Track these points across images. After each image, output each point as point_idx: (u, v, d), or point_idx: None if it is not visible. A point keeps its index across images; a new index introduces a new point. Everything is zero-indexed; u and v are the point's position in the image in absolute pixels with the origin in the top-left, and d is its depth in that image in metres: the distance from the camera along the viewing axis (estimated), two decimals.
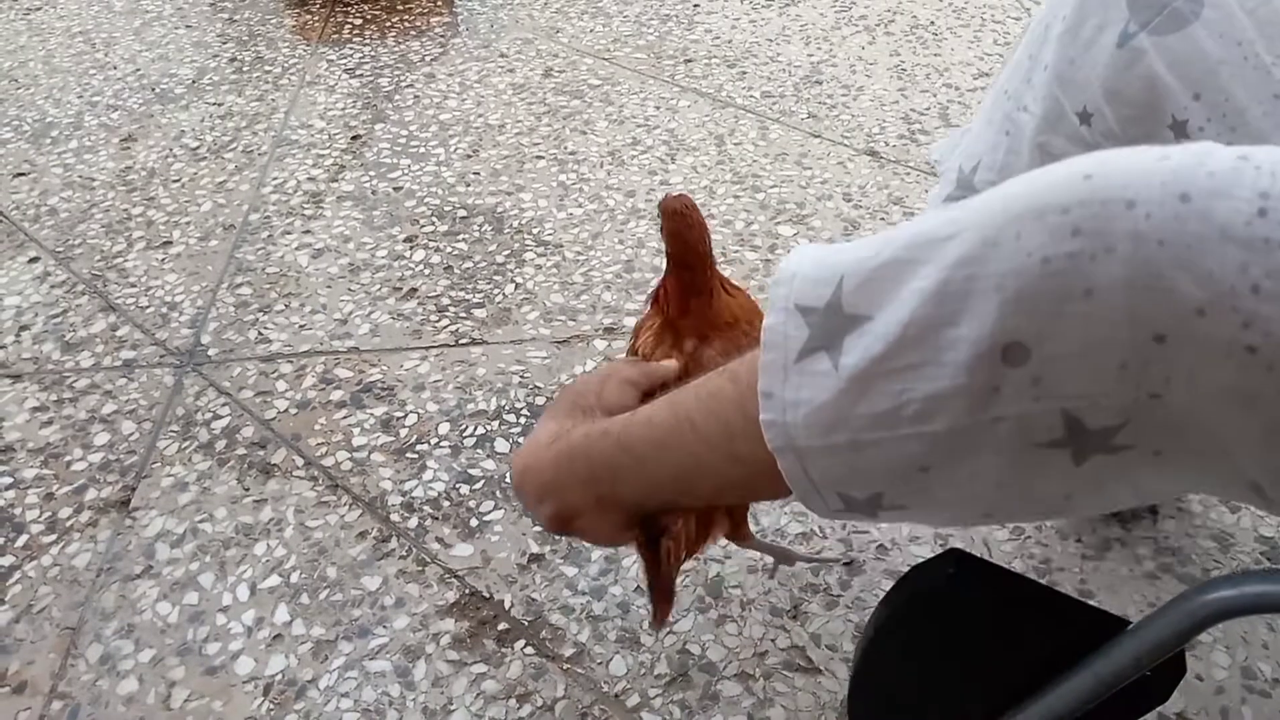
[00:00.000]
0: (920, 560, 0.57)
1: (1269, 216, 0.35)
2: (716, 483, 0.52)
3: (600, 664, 0.87)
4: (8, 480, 1.06)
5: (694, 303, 0.74)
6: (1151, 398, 0.38)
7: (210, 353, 1.22)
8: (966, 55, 1.87)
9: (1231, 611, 0.42)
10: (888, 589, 0.57)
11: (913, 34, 1.96)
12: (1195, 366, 0.36)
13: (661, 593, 0.69)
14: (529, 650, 0.88)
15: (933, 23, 2.00)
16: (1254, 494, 0.39)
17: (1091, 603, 0.89)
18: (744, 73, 1.82)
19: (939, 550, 0.96)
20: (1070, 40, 0.65)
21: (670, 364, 0.69)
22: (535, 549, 0.97)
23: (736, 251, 1.37)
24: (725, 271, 1.33)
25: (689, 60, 1.87)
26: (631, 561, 0.96)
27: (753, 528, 0.85)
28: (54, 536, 1.00)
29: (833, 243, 0.49)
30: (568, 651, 0.88)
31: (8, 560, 0.98)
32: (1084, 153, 0.67)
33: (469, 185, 1.52)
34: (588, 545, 0.96)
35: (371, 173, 1.56)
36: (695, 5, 2.08)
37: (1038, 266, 0.38)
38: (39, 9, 2.13)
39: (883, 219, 1.43)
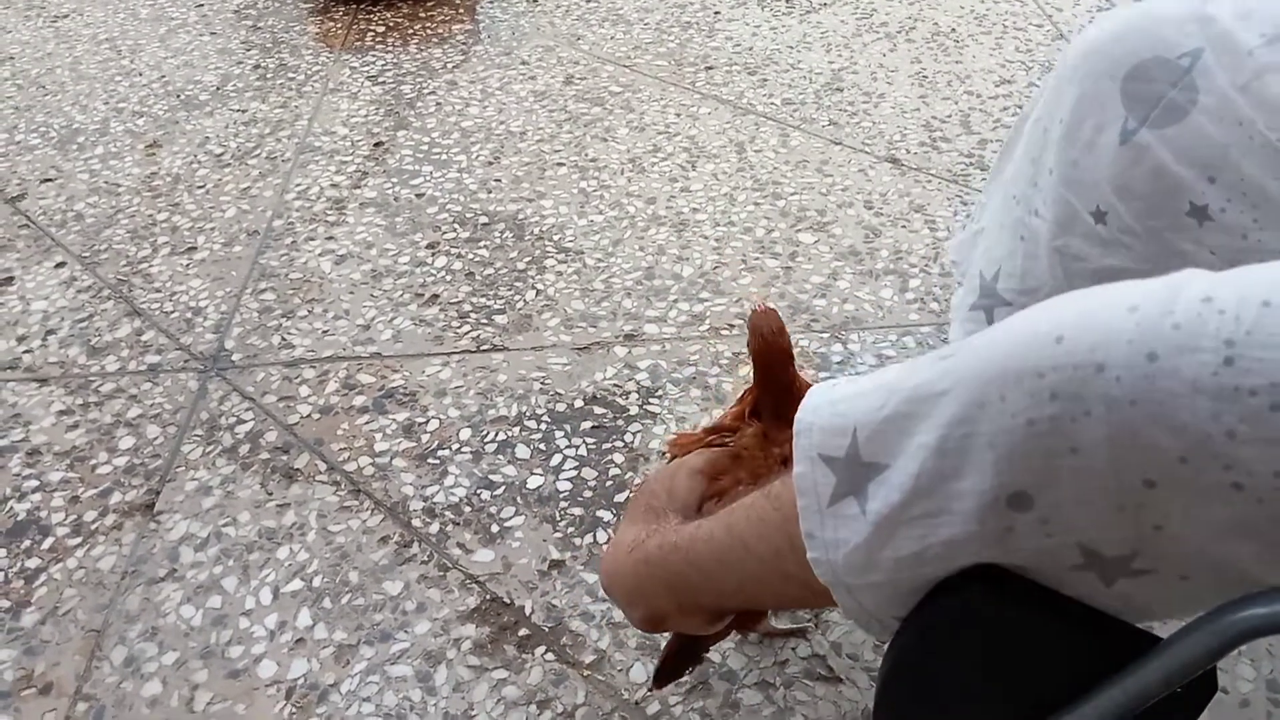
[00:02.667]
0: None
1: (1235, 364, 0.35)
2: (776, 595, 0.57)
3: (621, 671, 0.87)
4: (34, 483, 1.07)
5: (766, 419, 0.74)
6: (1155, 529, 0.40)
7: (234, 358, 1.23)
8: (988, 63, 1.87)
9: (1264, 630, 0.41)
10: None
11: (934, 41, 1.95)
12: (1188, 505, 0.38)
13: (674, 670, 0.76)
14: (549, 656, 0.88)
15: (954, 30, 2.00)
16: None
17: None
18: (765, 80, 1.82)
19: None
20: (1070, 143, 0.66)
21: (728, 453, 0.71)
22: (556, 555, 0.97)
23: (757, 259, 1.37)
24: (744, 280, 1.33)
25: (710, 67, 1.87)
26: None
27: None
28: (79, 539, 1.01)
29: (838, 380, 0.52)
30: (588, 658, 0.88)
31: (34, 562, 0.99)
32: (1103, 251, 0.68)
33: (490, 192, 1.53)
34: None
35: (394, 179, 1.57)
36: (716, 12, 2.08)
37: (1023, 428, 0.40)
38: (66, 16, 2.16)
39: (904, 226, 1.43)
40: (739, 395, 0.81)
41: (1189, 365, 0.36)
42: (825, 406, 0.50)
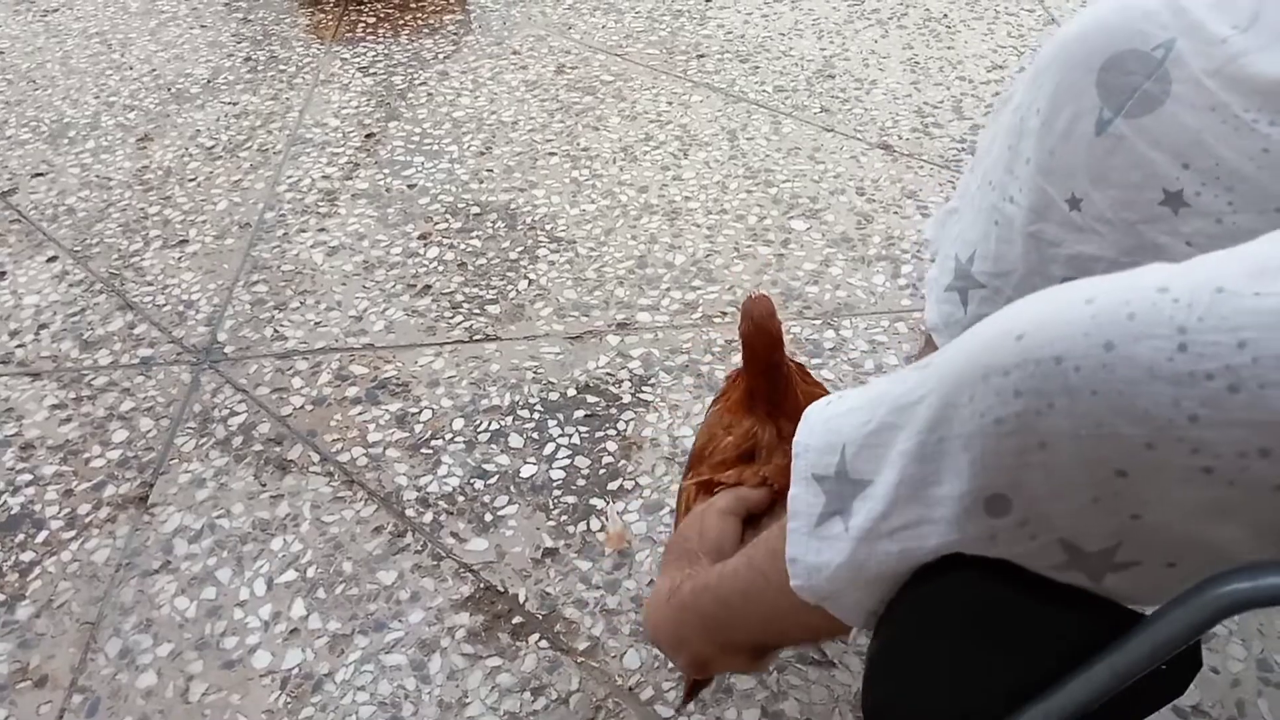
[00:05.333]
0: None
1: (1189, 350, 0.36)
2: (801, 626, 0.56)
3: (614, 657, 0.87)
4: (28, 477, 1.07)
5: (759, 404, 0.73)
6: (1134, 518, 0.40)
7: (227, 350, 1.23)
8: (980, 48, 1.86)
9: (1247, 604, 0.41)
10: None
11: (925, 27, 1.95)
12: (1163, 491, 0.38)
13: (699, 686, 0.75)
14: (543, 644, 0.89)
15: (946, 15, 1.99)
16: None
17: None
18: (756, 67, 1.82)
19: None
20: (1047, 132, 0.66)
21: (761, 492, 0.71)
22: (549, 543, 0.98)
23: (749, 247, 1.37)
24: (737, 268, 1.33)
25: (701, 55, 1.87)
26: (644, 555, 0.96)
27: None
28: (73, 532, 1.01)
29: (833, 397, 0.52)
30: (582, 645, 0.88)
31: (28, 556, 0.99)
32: (1077, 237, 0.68)
33: (482, 182, 1.53)
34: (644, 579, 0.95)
35: (385, 170, 1.56)
36: (707, 0, 2.08)
37: (993, 427, 0.41)
38: (56, 10, 2.15)
39: (896, 212, 1.43)
40: (723, 387, 0.81)
41: (1144, 352, 0.36)
42: (819, 425, 0.51)
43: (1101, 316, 0.38)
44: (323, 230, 1.44)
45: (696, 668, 0.65)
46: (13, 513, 1.03)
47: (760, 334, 0.70)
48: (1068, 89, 0.64)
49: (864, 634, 0.86)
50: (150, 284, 1.35)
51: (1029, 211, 0.67)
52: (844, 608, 0.52)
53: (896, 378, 0.49)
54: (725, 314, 1.26)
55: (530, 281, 1.32)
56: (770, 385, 0.72)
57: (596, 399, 1.14)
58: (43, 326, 1.28)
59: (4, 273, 1.38)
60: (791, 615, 0.54)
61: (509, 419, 1.12)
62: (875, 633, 0.56)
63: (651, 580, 0.93)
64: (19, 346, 1.25)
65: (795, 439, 0.52)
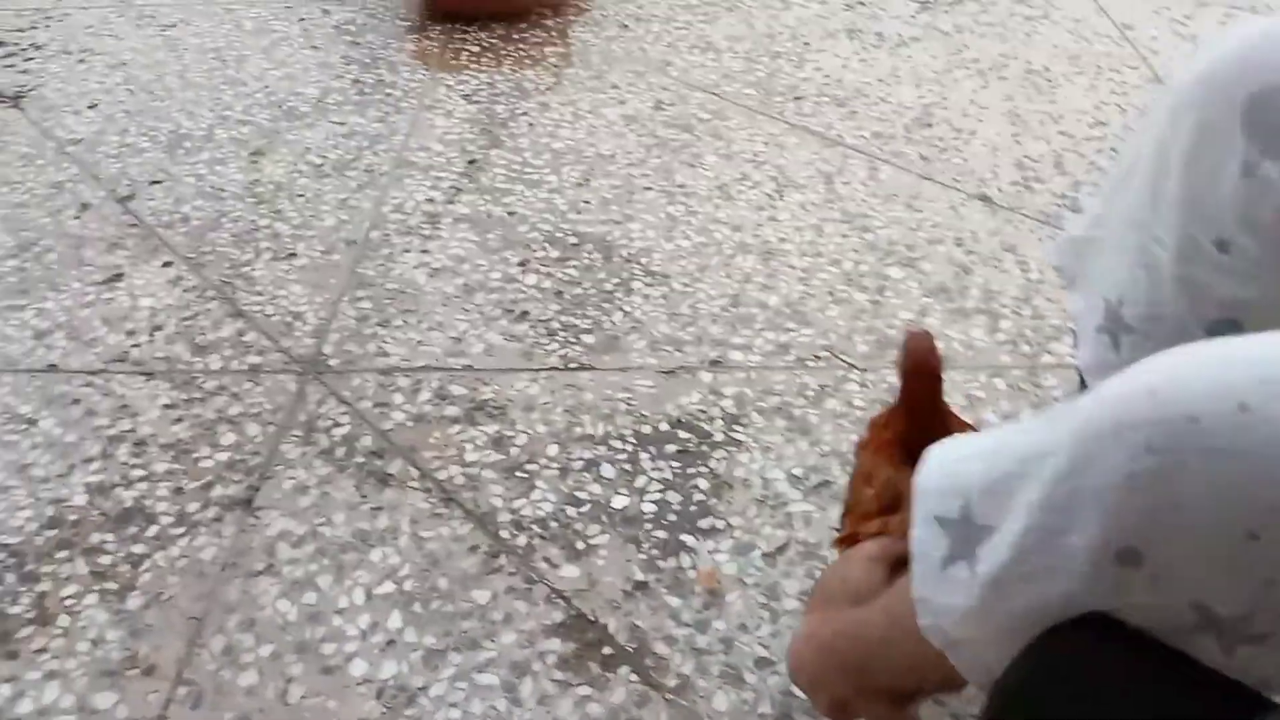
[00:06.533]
0: None
1: None
2: (941, 670, 0.56)
3: (703, 698, 0.88)
4: (141, 473, 1.12)
5: (912, 448, 0.71)
6: (1267, 584, 0.40)
7: (331, 362, 1.27)
8: (1082, 103, 1.85)
9: None
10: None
11: (1027, 79, 1.94)
12: None
13: None
14: (633, 677, 0.89)
15: (1047, 69, 1.98)
16: None
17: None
18: (854, 112, 1.83)
19: None
20: (1190, 173, 0.64)
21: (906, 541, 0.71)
22: (640, 576, 0.99)
23: (845, 291, 1.38)
24: (831, 312, 1.33)
25: (798, 98, 1.89)
26: (735, 597, 0.96)
27: None
28: (182, 529, 1.05)
29: (956, 439, 0.53)
30: (671, 682, 0.89)
31: (140, 549, 1.03)
32: (1230, 281, 0.67)
33: (580, 213, 1.56)
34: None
35: (487, 197, 1.60)
36: (805, 43, 2.10)
37: (1125, 482, 0.41)
38: (174, 26, 2.25)
39: (995, 265, 1.42)
40: (870, 429, 0.80)
41: None
42: (938, 469, 0.52)
43: (1236, 376, 0.38)
44: (425, 252, 1.48)
45: (835, 709, 0.66)
46: (126, 506, 1.07)
47: (921, 373, 0.68)
48: (1211, 127, 0.62)
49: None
50: (260, 294, 1.40)
51: (1176, 254, 0.65)
52: (964, 659, 0.52)
53: (1020, 427, 0.49)
54: (819, 358, 1.26)
55: (625, 314, 1.34)
56: (925, 428, 0.69)
57: (688, 435, 1.15)
58: (157, 328, 1.34)
59: (121, 275, 1.44)
60: (926, 662, 0.54)
61: (602, 448, 1.13)
62: (989, 698, 0.56)
63: (743, 624, 0.94)
64: (134, 346, 1.31)
65: (915, 481, 0.53)
